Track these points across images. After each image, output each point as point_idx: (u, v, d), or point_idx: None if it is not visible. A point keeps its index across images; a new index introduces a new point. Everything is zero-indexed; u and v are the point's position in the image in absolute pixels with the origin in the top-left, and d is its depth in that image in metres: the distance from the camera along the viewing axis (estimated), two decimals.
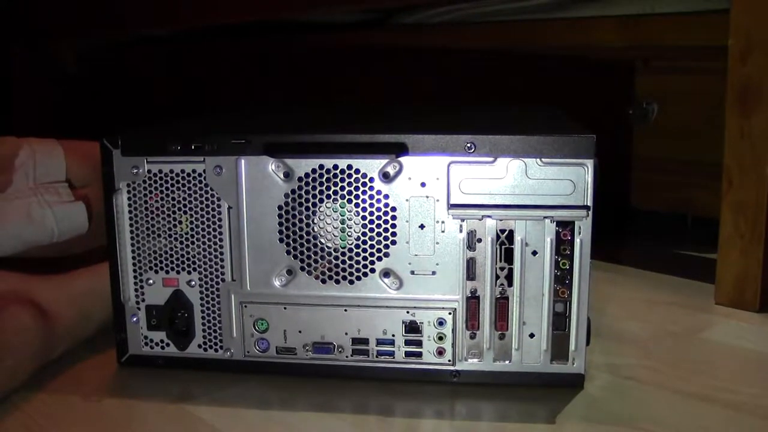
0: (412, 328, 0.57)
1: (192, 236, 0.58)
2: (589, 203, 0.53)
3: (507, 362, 0.56)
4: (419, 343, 0.57)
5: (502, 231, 0.55)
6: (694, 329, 0.68)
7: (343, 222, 0.56)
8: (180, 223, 0.58)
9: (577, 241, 0.54)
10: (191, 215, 0.57)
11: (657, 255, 0.94)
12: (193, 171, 0.57)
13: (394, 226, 0.55)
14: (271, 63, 1.55)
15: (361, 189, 0.55)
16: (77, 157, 0.79)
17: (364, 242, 0.56)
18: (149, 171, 0.57)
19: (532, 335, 0.56)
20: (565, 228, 0.54)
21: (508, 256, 0.55)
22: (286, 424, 0.52)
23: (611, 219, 0.97)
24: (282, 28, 1.44)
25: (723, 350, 0.64)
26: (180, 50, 1.80)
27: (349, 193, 0.55)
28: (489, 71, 1.13)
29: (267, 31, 1.48)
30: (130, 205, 0.58)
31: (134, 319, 0.60)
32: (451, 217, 0.54)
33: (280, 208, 0.56)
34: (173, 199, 0.57)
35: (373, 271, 0.56)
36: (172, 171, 0.57)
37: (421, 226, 0.55)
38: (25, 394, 0.56)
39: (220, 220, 0.57)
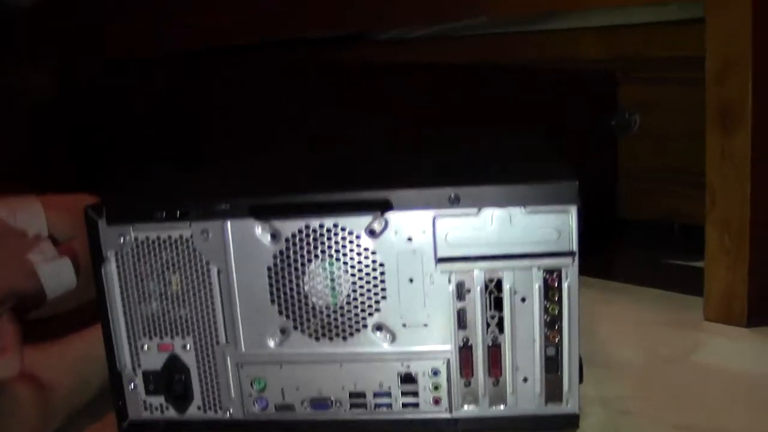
0: (408, 379, 0.57)
1: (183, 300, 0.58)
2: (575, 248, 0.54)
3: (502, 407, 0.57)
4: (415, 394, 0.58)
5: (491, 280, 0.55)
6: (685, 351, 0.69)
7: (332, 280, 0.56)
8: (170, 283, 0.58)
9: (565, 285, 0.54)
10: (181, 279, 0.58)
11: (645, 267, 0.95)
12: (180, 236, 0.57)
13: (383, 281, 0.56)
14: (243, 79, 1.55)
15: (349, 247, 0.55)
16: (58, 210, 0.79)
17: (355, 299, 0.56)
18: (136, 238, 0.57)
19: (525, 379, 0.57)
20: (553, 274, 0.55)
21: (498, 305, 0.55)
22: None
23: (598, 230, 0.98)
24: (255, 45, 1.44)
25: (714, 374, 0.65)
26: (159, 71, 1.79)
27: (337, 251, 0.56)
28: (469, 85, 1.13)
29: (238, 48, 1.48)
30: (119, 273, 0.58)
31: (132, 385, 0.60)
32: (439, 270, 0.55)
33: (269, 269, 0.56)
34: (162, 264, 0.57)
35: (365, 326, 0.57)
36: (159, 237, 0.57)
37: (411, 280, 0.56)
38: None
39: (210, 283, 0.57)
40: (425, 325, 0.56)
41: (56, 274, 0.72)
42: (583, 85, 1.02)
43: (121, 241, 0.57)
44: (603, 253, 1.02)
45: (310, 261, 0.56)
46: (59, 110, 2.07)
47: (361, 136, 0.81)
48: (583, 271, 0.54)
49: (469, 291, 0.55)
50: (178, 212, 0.56)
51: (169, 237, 0.57)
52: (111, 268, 0.58)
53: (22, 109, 2.03)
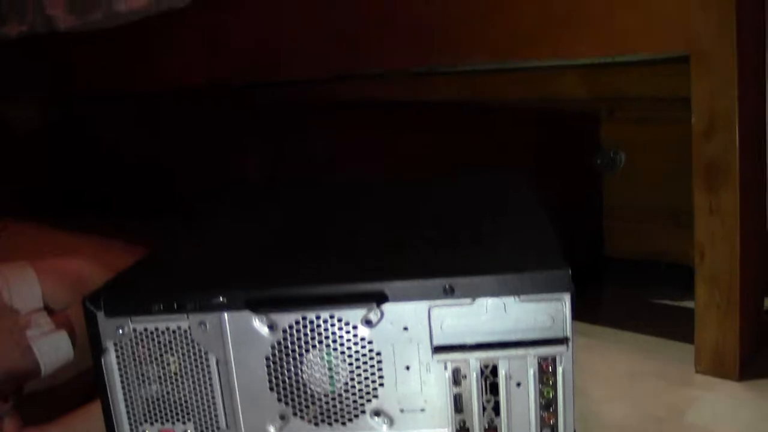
0: None
1: (183, 388, 0.58)
2: (569, 334, 0.55)
3: None
4: None
5: (486, 366, 0.56)
6: (678, 410, 0.70)
7: (330, 369, 0.57)
8: (169, 372, 0.59)
9: (559, 370, 0.55)
10: (180, 368, 0.58)
11: (633, 308, 0.96)
12: (179, 327, 0.57)
13: (380, 369, 0.57)
14: (229, 116, 1.56)
15: (345, 337, 0.56)
16: (52, 278, 0.79)
17: (353, 386, 0.57)
18: (135, 330, 0.58)
19: None
20: (547, 359, 0.55)
21: (494, 389, 0.56)
22: None
23: (585, 268, 0.99)
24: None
25: None
26: (146, 107, 1.80)
27: (334, 341, 0.56)
28: (456, 122, 1.14)
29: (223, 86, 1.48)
30: (118, 363, 0.59)
31: None
32: (435, 359, 0.56)
33: (267, 358, 0.57)
34: (161, 354, 0.58)
35: (363, 412, 0.57)
36: (157, 328, 0.58)
37: (407, 368, 0.56)
38: None
39: (209, 372, 0.58)
40: (422, 410, 0.57)
41: (53, 349, 0.73)
42: (568, 124, 1.02)
43: (120, 332, 0.58)
44: (590, 292, 1.04)
45: (307, 351, 0.57)
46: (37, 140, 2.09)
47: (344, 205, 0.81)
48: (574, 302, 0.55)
49: (465, 377, 0.56)
50: (176, 305, 0.57)
51: (167, 328, 0.57)
52: (110, 359, 0.58)
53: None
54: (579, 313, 0.92)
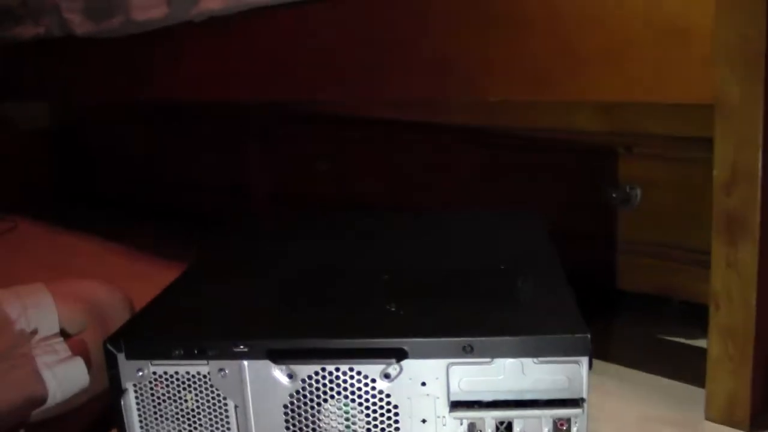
0: None
1: (201, 429, 0.59)
2: (585, 396, 0.55)
3: None
4: None
5: (501, 422, 0.57)
6: None
7: (347, 419, 0.57)
8: (188, 416, 0.59)
9: (574, 430, 0.56)
10: (199, 412, 0.59)
11: (644, 347, 0.97)
12: (198, 373, 0.58)
13: (397, 422, 0.57)
14: (234, 129, 1.58)
15: (364, 389, 0.57)
16: (68, 302, 0.80)
17: None
18: (154, 373, 0.58)
19: None
20: (562, 419, 0.56)
21: None
22: None
23: (597, 301, 1.00)
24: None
25: None
26: (155, 114, 1.82)
27: (352, 393, 0.57)
28: (473, 148, 1.14)
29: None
30: (138, 404, 0.59)
31: None
32: (452, 416, 0.56)
33: (285, 406, 0.58)
34: (180, 397, 0.59)
35: None
36: (177, 372, 0.58)
37: (423, 421, 0.57)
38: None
39: (227, 417, 0.58)
40: None
41: (69, 376, 0.74)
42: (585, 157, 1.03)
43: (140, 374, 0.59)
44: (602, 326, 1.04)
45: (325, 401, 0.57)
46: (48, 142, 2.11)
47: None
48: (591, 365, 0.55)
49: None
50: (196, 351, 0.57)
51: (187, 372, 0.58)
52: (130, 400, 0.59)
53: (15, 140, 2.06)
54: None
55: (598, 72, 0.82)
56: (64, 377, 0.74)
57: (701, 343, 0.79)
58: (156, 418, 0.59)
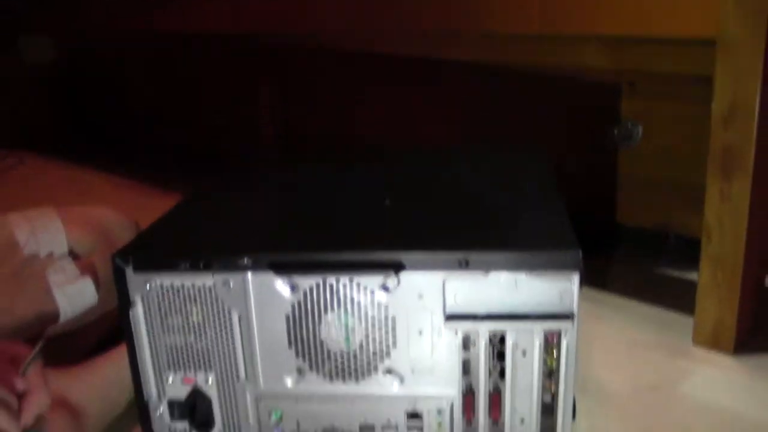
0: (414, 416, 0.62)
1: (206, 340, 0.62)
2: (575, 311, 0.58)
3: None
4: (421, 429, 0.62)
5: (495, 335, 0.59)
6: (673, 381, 0.74)
7: (347, 329, 0.60)
8: (193, 325, 0.62)
9: (564, 343, 0.58)
10: (204, 322, 0.61)
11: (640, 278, 0.99)
12: (203, 285, 0.60)
13: (394, 332, 0.60)
14: (244, 63, 1.57)
15: (363, 301, 0.59)
16: (77, 225, 0.82)
17: (367, 346, 0.60)
18: (161, 285, 0.61)
19: (522, 420, 0.61)
20: (553, 331, 0.58)
21: (500, 356, 0.59)
22: None
23: (596, 234, 1.02)
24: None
25: (699, 409, 0.69)
26: (161, 46, 1.81)
27: (352, 304, 0.59)
28: (477, 83, 1.15)
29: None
30: (145, 315, 0.62)
31: (158, 413, 0.64)
32: (447, 327, 0.59)
33: (287, 317, 0.60)
34: (186, 308, 0.61)
35: (376, 370, 0.61)
36: (183, 285, 0.61)
37: (420, 332, 0.60)
38: None
39: (231, 327, 0.61)
40: (432, 371, 0.61)
41: (79, 294, 0.76)
42: (588, 93, 1.04)
43: (147, 287, 0.61)
44: (600, 257, 1.06)
45: (326, 311, 0.60)
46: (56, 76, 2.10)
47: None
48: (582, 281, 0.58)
49: (474, 343, 0.59)
50: (202, 264, 0.60)
51: (193, 285, 0.60)
52: (138, 312, 0.62)
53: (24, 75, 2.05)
54: (588, 279, 0.96)
55: (609, 5, 0.83)
56: (74, 296, 0.76)
57: (695, 276, 0.81)
58: (163, 330, 0.62)
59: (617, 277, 1.00)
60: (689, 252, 0.87)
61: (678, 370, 0.76)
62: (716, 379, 0.74)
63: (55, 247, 0.78)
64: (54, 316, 0.76)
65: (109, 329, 0.82)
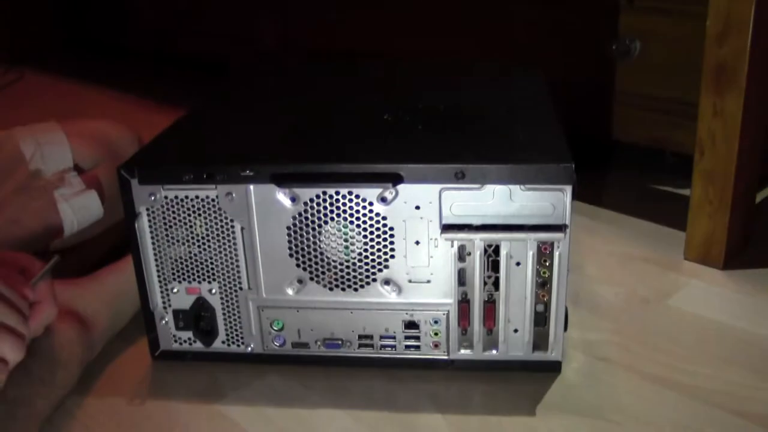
0: (411, 325, 0.64)
1: (210, 251, 0.64)
2: (567, 222, 0.59)
3: (494, 352, 0.64)
4: (417, 338, 0.65)
5: (489, 245, 0.61)
6: (664, 294, 0.76)
7: (346, 240, 0.62)
8: (197, 236, 0.63)
9: (556, 254, 0.60)
10: (208, 233, 0.63)
11: (635, 193, 1.01)
12: (207, 197, 0.62)
13: (392, 242, 0.62)
14: None
15: (362, 212, 0.61)
16: (81, 139, 0.83)
17: (366, 257, 0.62)
18: (166, 197, 0.62)
19: (516, 330, 0.64)
20: (546, 242, 0.60)
21: (495, 267, 0.61)
22: (301, 418, 0.61)
23: (592, 150, 1.03)
24: None
25: (688, 320, 0.72)
26: None
27: (351, 215, 0.61)
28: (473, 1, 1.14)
29: None
30: (150, 226, 0.64)
31: (163, 321, 0.67)
32: (443, 237, 0.61)
33: (288, 228, 0.62)
34: (190, 220, 0.63)
35: (374, 280, 0.63)
36: (187, 197, 0.62)
37: (417, 242, 0.61)
38: (77, 399, 0.64)
39: (234, 238, 0.63)
40: (428, 282, 0.63)
41: (85, 207, 0.78)
42: (587, 8, 1.03)
43: (152, 198, 0.62)
44: (596, 173, 1.08)
45: (326, 222, 0.61)
46: None
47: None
48: (576, 193, 0.59)
49: (469, 254, 0.61)
50: (205, 176, 0.61)
51: (197, 197, 0.62)
52: (143, 223, 0.63)
53: None
54: (584, 194, 0.97)
55: None
56: (80, 208, 0.78)
57: (689, 193, 0.82)
58: (167, 241, 0.64)
59: (612, 192, 1.02)
60: (685, 169, 0.88)
61: (669, 284, 0.78)
62: (706, 291, 0.77)
63: (60, 161, 0.79)
64: (59, 229, 0.78)
65: (114, 242, 0.84)
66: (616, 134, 1.05)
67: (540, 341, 0.64)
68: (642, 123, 1.02)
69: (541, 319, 0.63)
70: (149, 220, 0.63)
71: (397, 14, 1.29)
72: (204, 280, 0.65)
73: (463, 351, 0.65)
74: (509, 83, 0.83)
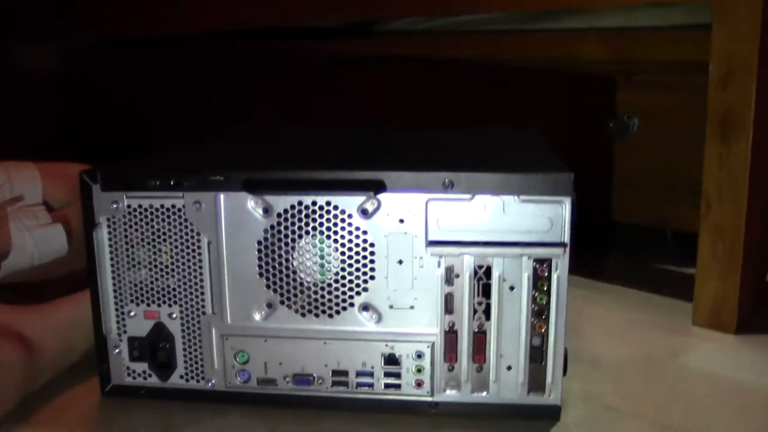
0: (391, 360, 0.58)
1: (172, 269, 0.58)
2: (567, 240, 0.54)
3: (485, 393, 0.57)
4: (398, 375, 0.58)
5: (480, 267, 0.55)
6: (672, 353, 0.69)
7: (322, 257, 0.56)
8: (161, 253, 0.58)
9: (554, 276, 0.54)
10: (171, 248, 0.58)
11: (636, 270, 0.95)
12: (173, 206, 0.57)
13: (372, 261, 0.56)
14: (251, 68, 1.55)
15: (340, 225, 0.55)
16: (54, 178, 0.79)
17: (343, 277, 0.56)
18: (129, 206, 0.57)
19: (509, 368, 0.57)
20: (543, 264, 0.55)
21: (486, 291, 0.55)
22: None
23: (590, 230, 0.98)
24: (264, 34, 1.44)
25: (700, 377, 0.65)
26: (161, 52, 1.80)
27: (328, 229, 0.56)
28: (471, 81, 1.13)
29: (246, 36, 1.48)
30: (110, 239, 0.58)
31: (116, 350, 0.60)
32: (429, 253, 0.55)
33: (259, 243, 0.56)
34: (153, 232, 0.57)
35: (352, 305, 0.57)
36: (151, 206, 0.57)
37: (400, 262, 0.56)
38: (10, 429, 0.56)
39: (199, 254, 0.57)
40: (412, 308, 0.56)
41: (48, 239, 0.73)
42: (584, 86, 1.02)
43: (114, 207, 0.57)
44: (594, 253, 1.03)
45: (300, 237, 0.56)
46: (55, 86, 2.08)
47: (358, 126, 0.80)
48: (572, 270, 0.54)
49: (458, 276, 0.55)
50: (172, 181, 0.56)
51: (162, 206, 0.57)
52: (102, 234, 0.58)
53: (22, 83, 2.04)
54: (579, 271, 0.92)
55: None
56: (42, 240, 0.73)
57: (693, 271, 0.77)
58: (127, 257, 0.58)
59: (612, 271, 0.96)
60: (688, 250, 0.83)
61: (677, 345, 0.71)
62: (718, 352, 0.70)
63: (30, 195, 0.75)
64: (17, 261, 0.72)
65: (76, 287, 0.78)
66: (615, 215, 1.01)
67: (536, 382, 0.57)
68: (641, 202, 0.98)
69: (537, 355, 0.56)
70: (109, 232, 0.58)
71: (396, 90, 1.28)
72: (164, 302, 0.59)
73: (449, 392, 0.57)
74: (506, 136, 0.80)
